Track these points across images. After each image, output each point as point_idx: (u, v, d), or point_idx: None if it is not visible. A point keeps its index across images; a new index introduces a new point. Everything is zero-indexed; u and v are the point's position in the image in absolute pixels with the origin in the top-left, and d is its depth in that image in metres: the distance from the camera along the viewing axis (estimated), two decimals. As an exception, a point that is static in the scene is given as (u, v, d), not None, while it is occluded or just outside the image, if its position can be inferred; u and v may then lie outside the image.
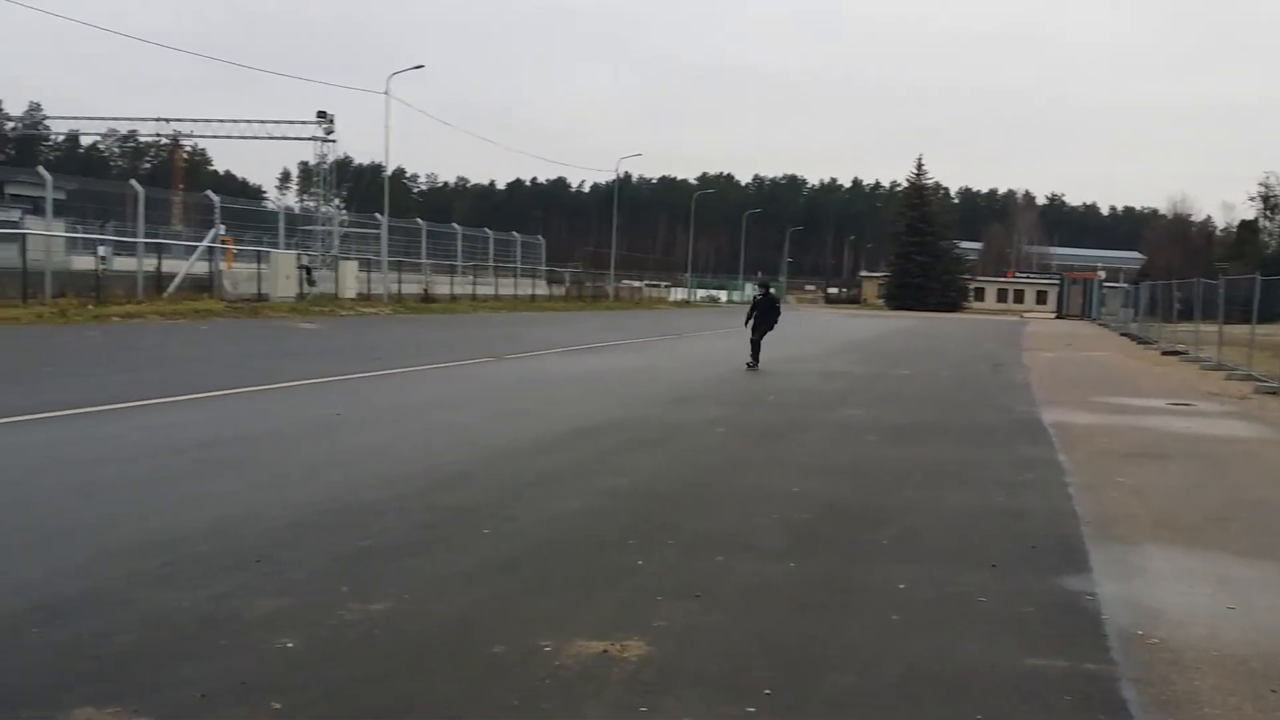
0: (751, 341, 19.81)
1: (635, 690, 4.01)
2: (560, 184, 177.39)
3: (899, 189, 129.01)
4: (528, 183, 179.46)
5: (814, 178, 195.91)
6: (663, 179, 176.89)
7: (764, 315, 20.22)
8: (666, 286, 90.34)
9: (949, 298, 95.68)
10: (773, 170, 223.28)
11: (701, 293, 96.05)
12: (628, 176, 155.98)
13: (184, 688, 3.87)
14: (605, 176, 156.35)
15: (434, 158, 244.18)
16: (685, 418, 12.36)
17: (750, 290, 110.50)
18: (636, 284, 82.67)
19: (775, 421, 12.32)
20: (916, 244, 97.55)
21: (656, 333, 33.90)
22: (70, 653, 4.18)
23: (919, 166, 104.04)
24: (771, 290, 21.49)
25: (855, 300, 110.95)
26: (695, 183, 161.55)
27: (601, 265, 78.10)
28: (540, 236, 72.03)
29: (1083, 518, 7.49)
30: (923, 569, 5.97)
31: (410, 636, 4.52)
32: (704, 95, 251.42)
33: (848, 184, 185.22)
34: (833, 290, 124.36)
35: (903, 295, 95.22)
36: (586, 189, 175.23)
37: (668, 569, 5.76)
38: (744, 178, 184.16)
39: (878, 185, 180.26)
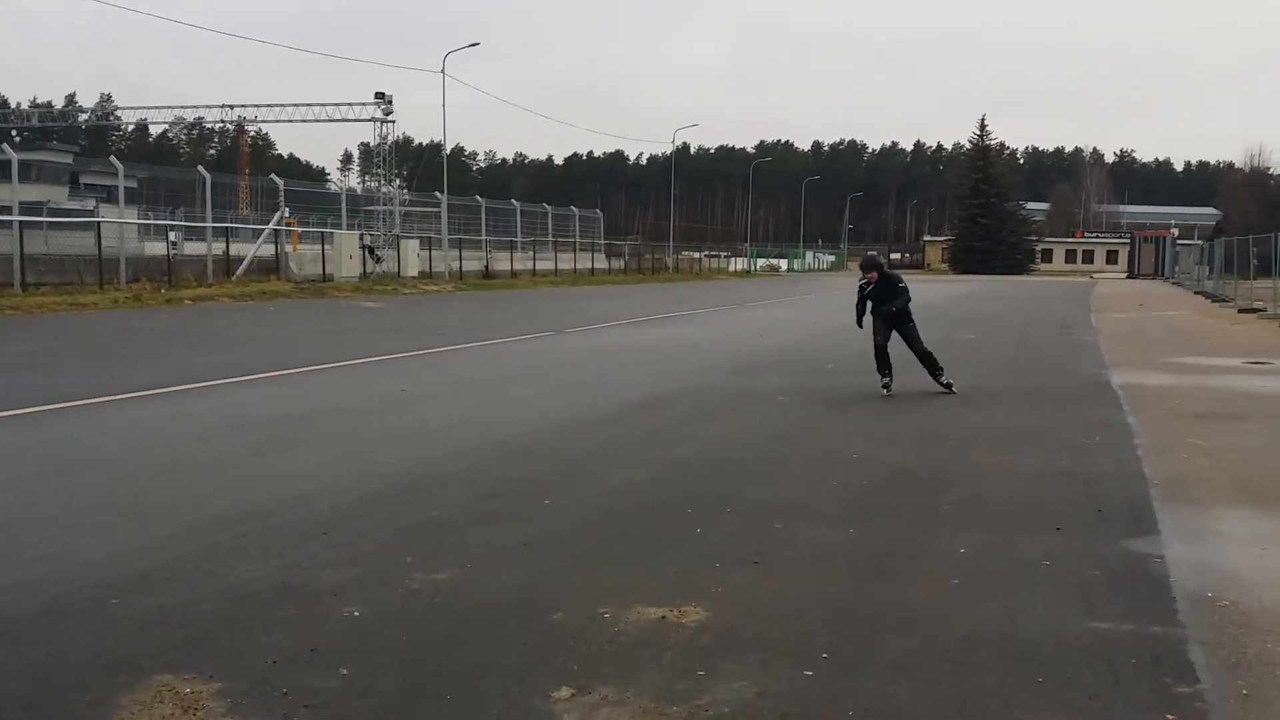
0: (876, 346, 11.95)
1: (693, 655, 4.05)
2: (618, 157, 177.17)
3: (962, 151, 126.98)
4: (585, 157, 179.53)
5: (874, 142, 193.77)
6: (720, 148, 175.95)
7: (889, 309, 11.97)
8: (726, 257, 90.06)
9: (1015, 260, 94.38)
10: (831, 136, 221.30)
11: (761, 262, 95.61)
12: (685, 147, 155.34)
13: (257, 654, 3.98)
14: (663, 148, 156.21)
15: (492, 135, 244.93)
16: (746, 387, 12.35)
17: (813, 258, 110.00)
18: (696, 255, 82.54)
19: (836, 389, 12.27)
20: (981, 206, 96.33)
21: (716, 304, 33.84)
22: (150, 622, 4.31)
23: (982, 127, 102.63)
24: (885, 270, 12.36)
25: (919, 266, 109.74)
26: (753, 151, 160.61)
27: (660, 237, 78.10)
28: (598, 210, 72.10)
29: (1152, 480, 7.38)
30: (986, 534, 5.93)
31: (473, 605, 4.61)
32: (758, 62, 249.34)
33: (909, 148, 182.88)
34: (895, 256, 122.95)
35: (967, 259, 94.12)
36: (644, 162, 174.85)
37: (727, 537, 5.79)
38: (803, 145, 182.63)
39: (940, 148, 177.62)
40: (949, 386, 11.79)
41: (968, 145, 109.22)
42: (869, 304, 12.07)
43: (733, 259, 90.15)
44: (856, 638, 4.28)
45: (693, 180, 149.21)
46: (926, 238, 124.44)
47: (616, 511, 6.36)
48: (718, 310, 30.25)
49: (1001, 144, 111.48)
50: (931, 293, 45.14)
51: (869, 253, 14.02)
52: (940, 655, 4.10)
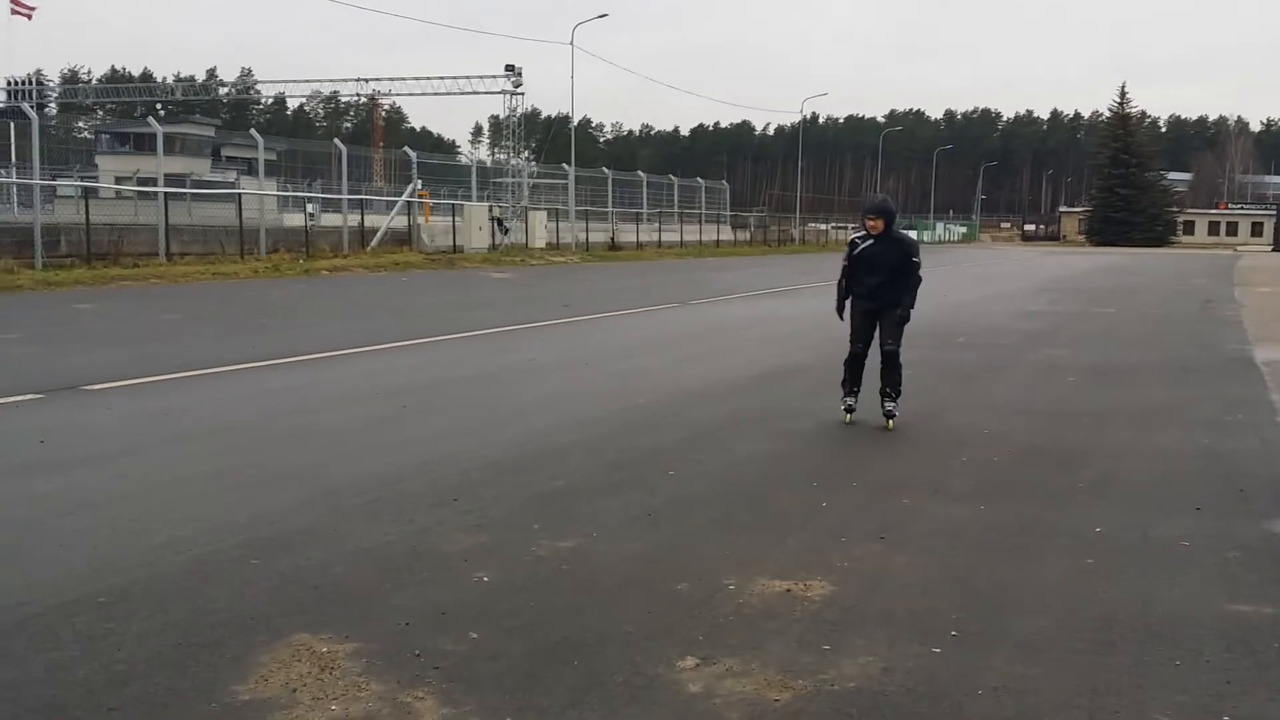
0: (852, 355, 8.38)
1: (819, 629, 4.04)
2: (744, 128, 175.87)
3: (1100, 119, 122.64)
4: (711, 128, 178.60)
5: (1009, 111, 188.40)
6: (849, 118, 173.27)
7: (879, 285, 8.13)
8: (854, 228, 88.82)
9: (1155, 232, 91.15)
10: (964, 104, 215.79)
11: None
12: (814, 117, 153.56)
13: (390, 616, 4.10)
14: (791, 118, 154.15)
15: (618, 107, 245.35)
16: (872, 360, 12.17)
17: (943, 229, 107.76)
18: (822, 226, 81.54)
19: (967, 362, 12.04)
20: (1120, 176, 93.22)
21: (844, 275, 33.39)
22: (288, 583, 4.47)
23: (1122, 95, 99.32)
24: (894, 229, 8.17)
25: (1054, 237, 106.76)
26: (883, 120, 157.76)
27: (786, 208, 77.36)
28: (724, 181, 71.74)
29: (1298, 460, 7.08)
30: (1122, 512, 5.77)
31: (599, 572, 4.66)
32: (890, 29, 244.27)
33: (1045, 116, 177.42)
34: (1029, 227, 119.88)
35: (1105, 231, 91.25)
36: (771, 132, 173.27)
37: (853, 510, 5.74)
38: (934, 113, 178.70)
39: (1078, 116, 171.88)
40: (890, 417, 8.08)
41: (1107, 114, 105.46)
42: (853, 275, 8.19)
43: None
44: (986, 616, 4.21)
45: (821, 150, 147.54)
46: (1062, 209, 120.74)
47: (741, 483, 6.36)
48: (844, 282, 29.84)
49: (1142, 112, 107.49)
50: (1069, 265, 43.92)
51: (876, 195, 9.27)
52: (1073, 635, 4.01)
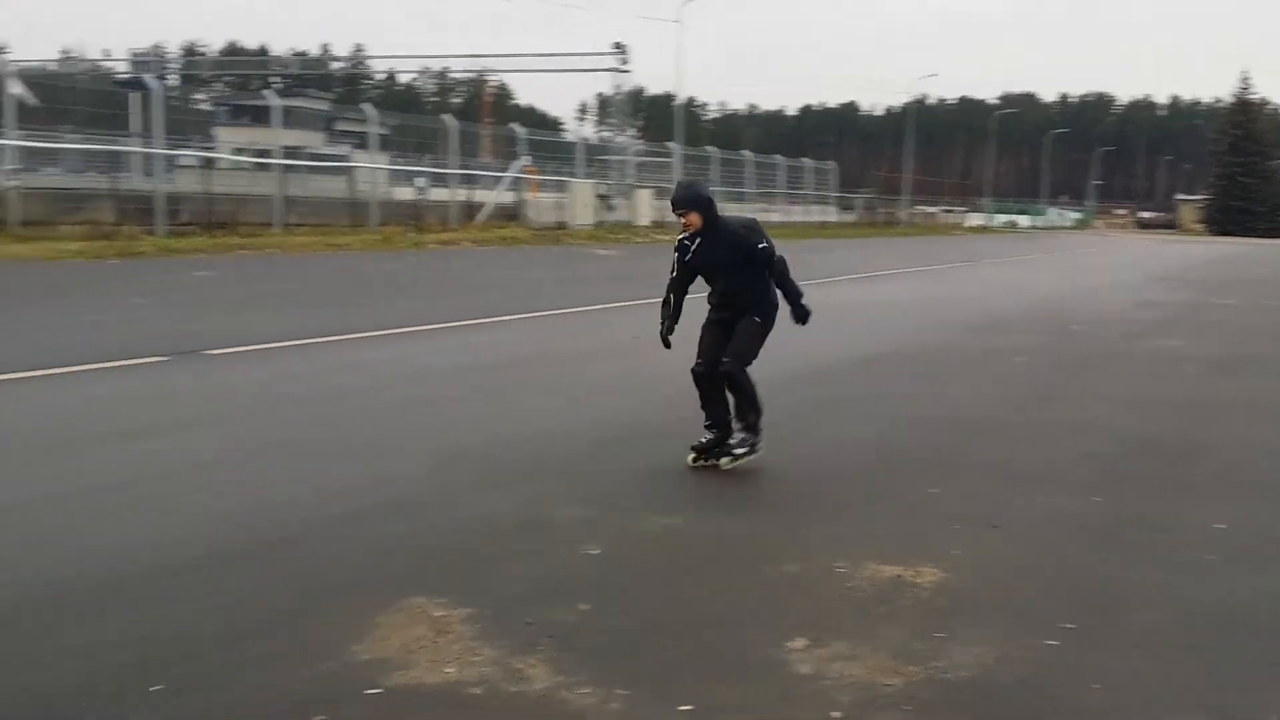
0: (694, 373, 6.24)
1: (930, 615, 3.99)
2: (851, 108, 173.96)
3: (1221, 105, 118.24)
4: (817, 108, 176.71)
5: (1125, 95, 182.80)
6: (961, 99, 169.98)
7: (729, 289, 6.38)
8: (963, 211, 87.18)
9: (1278, 223, 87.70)
10: (1079, 87, 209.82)
11: (1001, 217, 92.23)
12: (924, 98, 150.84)
13: (502, 585, 4.17)
14: (899, 99, 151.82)
15: (724, 85, 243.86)
16: (983, 346, 11.97)
17: (1056, 215, 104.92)
18: (931, 209, 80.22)
19: (1082, 351, 11.75)
20: (1241, 164, 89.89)
21: (951, 259, 32.88)
22: (403, 547, 4.58)
23: (1244, 81, 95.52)
24: (718, 216, 6.23)
25: (1171, 226, 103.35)
26: (996, 102, 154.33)
27: (894, 190, 76.22)
28: (832, 162, 70.93)
29: None
30: (1244, 508, 5.59)
31: (705, 550, 4.68)
32: (1006, 10, 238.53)
33: (1164, 101, 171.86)
34: (1145, 215, 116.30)
35: (1225, 220, 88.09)
36: (880, 112, 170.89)
37: (965, 498, 5.66)
38: (1048, 95, 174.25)
39: (1197, 102, 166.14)
40: (735, 456, 6.13)
41: (1229, 100, 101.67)
42: (691, 277, 6.34)
43: (970, 214, 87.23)
44: (1101, 609, 4.12)
45: (930, 132, 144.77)
46: (1180, 197, 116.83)
47: (847, 467, 6.32)
48: (952, 266, 29.40)
49: (1264, 99, 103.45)
50: (1188, 254, 42.60)
51: (683, 179, 6.20)
52: (1191, 632, 3.91)
